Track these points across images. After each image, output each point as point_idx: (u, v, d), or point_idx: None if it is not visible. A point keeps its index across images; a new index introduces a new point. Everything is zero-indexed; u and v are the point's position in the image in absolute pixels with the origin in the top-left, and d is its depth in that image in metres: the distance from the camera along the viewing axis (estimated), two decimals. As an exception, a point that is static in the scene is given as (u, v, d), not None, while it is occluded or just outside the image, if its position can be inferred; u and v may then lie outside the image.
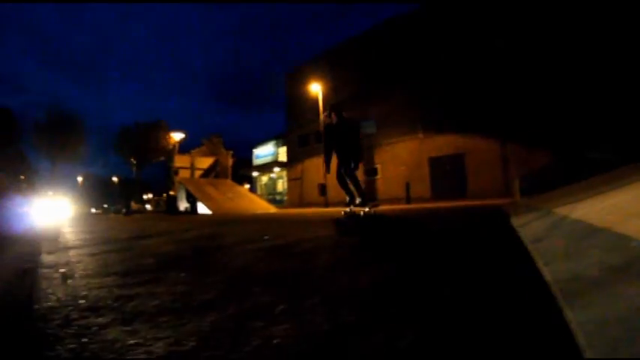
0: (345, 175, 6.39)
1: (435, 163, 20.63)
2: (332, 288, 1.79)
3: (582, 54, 14.55)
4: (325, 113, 7.32)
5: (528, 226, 3.10)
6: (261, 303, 1.58)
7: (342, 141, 6.41)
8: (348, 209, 6.55)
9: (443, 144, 20.04)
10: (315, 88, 23.42)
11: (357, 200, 6.44)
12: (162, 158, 48.01)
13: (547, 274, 1.50)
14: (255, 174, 40.38)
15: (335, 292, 1.71)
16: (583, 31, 14.55)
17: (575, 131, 14.08)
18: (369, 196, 21.24)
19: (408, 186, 18.47)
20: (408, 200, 17.97)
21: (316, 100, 23.26)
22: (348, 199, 6.55)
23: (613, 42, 13.77)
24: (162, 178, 49.57)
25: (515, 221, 3.65)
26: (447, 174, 20.03)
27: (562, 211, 3.15)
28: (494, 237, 3.14)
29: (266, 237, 4.19)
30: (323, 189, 23.22)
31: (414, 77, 21.39)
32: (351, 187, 6.47)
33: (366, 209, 6.36)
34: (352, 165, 6.38)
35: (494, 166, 17.75)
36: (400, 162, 21.98)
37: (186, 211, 19.97)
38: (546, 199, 5.56)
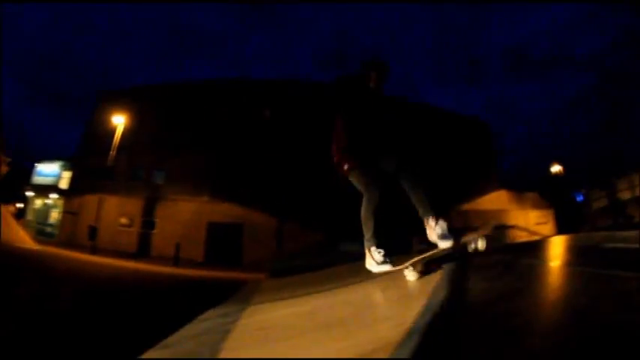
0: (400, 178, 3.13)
1: (214, 228, 20.20)
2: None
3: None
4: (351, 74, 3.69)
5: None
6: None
7: (379, 121, 3.51)
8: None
9: (224, 211, 20.12)
10: (118, 120, 21.29)
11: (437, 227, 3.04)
12: None
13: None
14: (30, 194, 33.79)
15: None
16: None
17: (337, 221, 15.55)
18: (145, 252, 20.04)
19: (178, 246, 17.56)
20: (177, 261, 16.98)
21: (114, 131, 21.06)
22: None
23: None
24: None
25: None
26: (223, 241, 19.78)
27: (257, 310, 3.15)
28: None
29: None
30: (93, 232, 20.40)
31: (211, 141, 21.42)
32: (418, 197, 3.12)
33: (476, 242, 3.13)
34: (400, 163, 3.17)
35: (270, 239, 18.38)
36: (180, 221, 20.84)
37: None
38: (285, 284, 5.61)
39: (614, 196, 32.27)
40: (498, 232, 16.87)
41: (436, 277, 3.61)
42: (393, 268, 3.10)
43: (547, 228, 22.56)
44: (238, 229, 19.54)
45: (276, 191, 18.32)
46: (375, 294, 3.56)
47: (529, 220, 20.65)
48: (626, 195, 32.56)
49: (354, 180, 3.24)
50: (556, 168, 23.81)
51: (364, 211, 3.14)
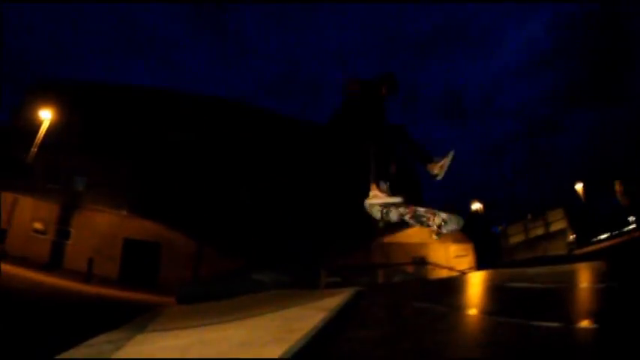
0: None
1: (131, 245, 19.32)
2: None
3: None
4: (363, 81, 3.80)
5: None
6: None
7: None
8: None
9: (143, 228, 19.29)
10: (45, 115, 19.72)
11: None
12: None
13: None
14: None
15: None
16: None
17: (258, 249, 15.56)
18: (57, 263, 18.58)
19: (91, 261, 16.67)
20: (89, 278, 16.10)
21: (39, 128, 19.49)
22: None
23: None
24: None
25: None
26: (139, 260, 18.97)
27: (145, 339, 3.25)
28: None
29: None
30: (2, 235, 18.72)
31: (137, 153, 20.64)
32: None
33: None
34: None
35: (187, 262, 17.92)
36: (96, 233, 19.70)
37: None
38: (187, 312, 5.85)
39: (529, 232, 35.34)
40: (419, 267, 17.54)
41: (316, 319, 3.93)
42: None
43: (466, 261, 23.79)
44: (156, 249, 18.86)
45: (198, 213, 18.00)
46: (257, 332, 3.81)
47: (449, 253, 21.59)
48: (539, 231, 35.69)
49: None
50: (476, 205, 25.42)
51: None
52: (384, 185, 3.68)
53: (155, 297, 12.45)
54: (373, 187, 3.66)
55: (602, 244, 35.13)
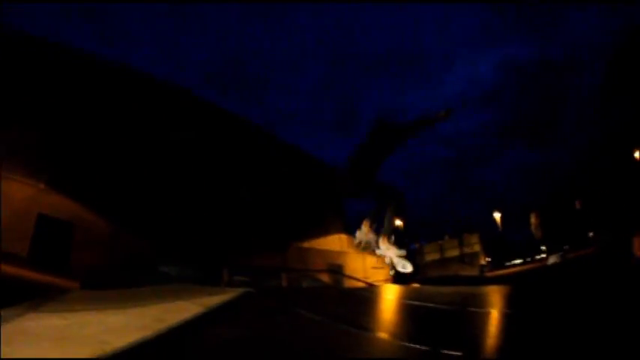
0: None
1: (44, 222, 17.79)
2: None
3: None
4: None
5: None
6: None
7: None
8: None
9: (60, 205, 17.90)
10: None
11: None
12: None
13: None
14: None
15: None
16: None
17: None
18: None
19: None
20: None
21: None
22: None
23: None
24: None
25: None
26: (53, 239, 17.68)
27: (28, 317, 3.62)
28: None
29: None
30: None
31: (64, 120, 19.02)
32: None
33: None
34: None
35: (102, 246, 17.13)
36: (8, 205, 18.14)
37: None
38: (84, 297, 5.73)
39: (444, 252, 38.02)
40: (334, 275, 18.08)
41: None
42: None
43: (382, 273, 24.83)
44: (70, 229, 17.77)
45: (118, 196, 17.40)
46: (132, 320, 4.03)
47: (366, 264, 22.35)
48: (454, 252, 38.51)
49: None
50: (398, 222, 26.99)
51: None
52: (392, 239, 4.47)
53: (64, 280, 12.03)
54: (384, 239, 4.40)
55: (514, 269, 38.42)
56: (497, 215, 42.70)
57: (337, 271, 17.58)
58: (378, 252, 4.53)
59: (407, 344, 3.38)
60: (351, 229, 22.79)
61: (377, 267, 23.96)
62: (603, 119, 39.31)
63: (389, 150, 4.39)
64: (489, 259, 58.92)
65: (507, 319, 5.47)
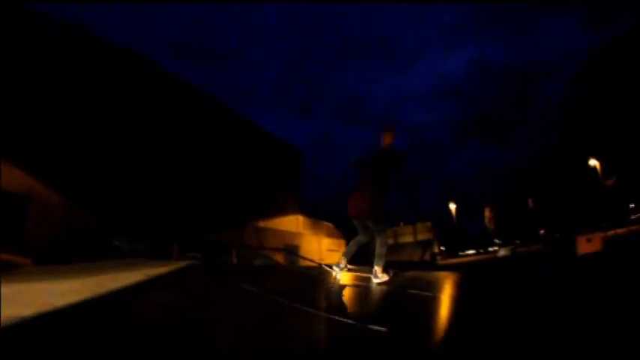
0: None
1: None
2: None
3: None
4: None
5: None
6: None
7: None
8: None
9: (13, 177, 16.98)
10: None
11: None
12: None
13: None
14: None
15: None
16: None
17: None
18: None
19: None
20: None
21: None
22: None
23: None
24: None
25: None
26: (4, 213, 16.58)
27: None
28: None
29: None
30: None
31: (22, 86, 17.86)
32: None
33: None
34: None
35: (57, 221, 16.33)
36: None
37: None
38: (42, 271, 5.59)
39: (398, 237, 39.23)
40: (289, 255, 18.05)
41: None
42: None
43: (338, 256, 25.28)
44: (24, 203, 16.74)
45: (75, 170, 16.51)
46: (77, 286, 4.00)
47: (322, 246, 22.70)
48: (408, 239, 39.84)
49: (377, 225, 4.92)
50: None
51: (382, 249, 4.93)
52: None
53: (15, 257, 11.35)
54: (379, 269, 4.97)
55: (466, 259, 40.17)
56: (452, 206, 44.30)
57: (292, 251, 17.54)
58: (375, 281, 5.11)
59: (335, 317, 3.34)
60: (308, 211, 22.89)
61: (332, 249, 24.26)
62: (562, 127, 41.17)
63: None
64: (443, 248, 61.65)
65: (441, 301, 5.70)
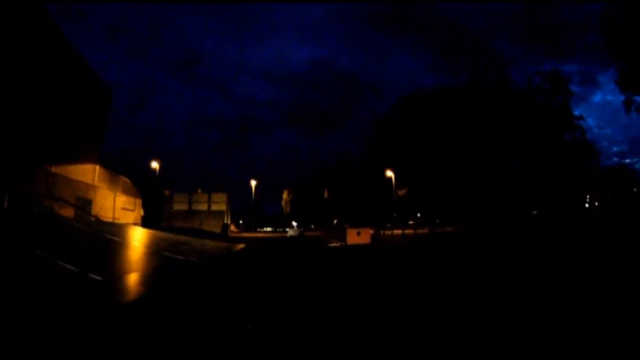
0: None
1: None
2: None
3: None
4: None
5: None
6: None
7: None
8: None
9: None
10: None
11: None
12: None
13: None
14: None
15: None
16: None
17: None
18: None
19: None
20: None
21: None
22: None
23: None
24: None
25: None
26: None
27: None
28: None
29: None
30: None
31: None
32: None
33: None
34: None
35: None
36: None
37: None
38: None
39: (192, 204, 42.54)
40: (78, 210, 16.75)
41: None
42: None
43: (132, 215, 24.64)
44: None
45: None
46: None
47: (117, 204, 21.23)
48: (202, 206, 43.33)
49: None
50: (155, 164, 28.19)
51: None
52: None
53: None
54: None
55: (260, 235, 44.67)
56: (253, 183, 47.78)
57: (78, 206, 16.72)
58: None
59: (66, 266, 3.86)
60: (107, 162, 21.54)
61: (127, 208, 23.72)
62: (375, 138, 47.59)
63: None
64: (242, 222, 66.21)
65: (199, 264, 7.58)
